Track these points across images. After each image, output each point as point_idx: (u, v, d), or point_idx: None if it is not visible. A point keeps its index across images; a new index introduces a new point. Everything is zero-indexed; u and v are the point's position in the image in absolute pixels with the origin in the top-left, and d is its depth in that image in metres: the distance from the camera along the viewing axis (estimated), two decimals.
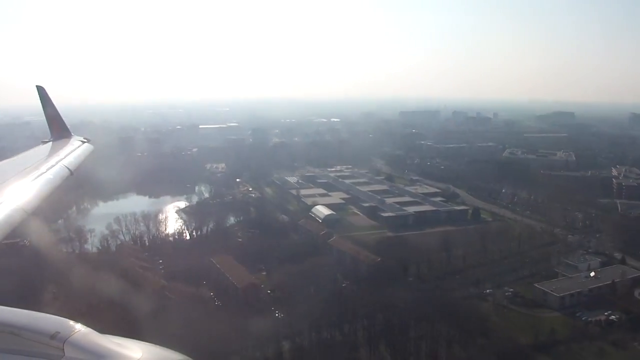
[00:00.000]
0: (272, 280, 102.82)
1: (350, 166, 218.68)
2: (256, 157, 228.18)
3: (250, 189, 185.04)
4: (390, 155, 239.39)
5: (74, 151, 15.33)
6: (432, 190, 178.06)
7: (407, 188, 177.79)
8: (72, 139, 17.20)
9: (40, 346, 4.38)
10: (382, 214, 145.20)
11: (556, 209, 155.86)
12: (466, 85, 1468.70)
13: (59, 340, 4.35)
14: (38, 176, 11.23)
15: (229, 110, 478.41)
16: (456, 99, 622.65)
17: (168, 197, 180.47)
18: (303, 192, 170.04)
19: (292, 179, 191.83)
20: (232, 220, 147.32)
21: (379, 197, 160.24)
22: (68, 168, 13.08)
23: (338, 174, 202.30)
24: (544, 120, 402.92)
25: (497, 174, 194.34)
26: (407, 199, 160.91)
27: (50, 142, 16.84)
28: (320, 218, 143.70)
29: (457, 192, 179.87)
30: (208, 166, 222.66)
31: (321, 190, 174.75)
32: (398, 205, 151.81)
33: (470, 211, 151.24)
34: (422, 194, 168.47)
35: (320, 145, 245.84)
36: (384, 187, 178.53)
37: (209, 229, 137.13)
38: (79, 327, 4.54)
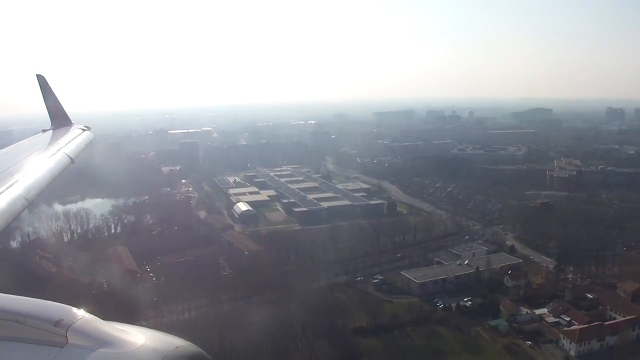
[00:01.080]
0: (160, 267, 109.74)
1: (298, 166, 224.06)
2: (211, 159, 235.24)
3: (191, 189, 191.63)
4: (343, 154, 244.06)
5: (74, 139, 15.33)
6: (365, 186, 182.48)
7: (338, 185, 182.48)
8: (72, 127, 17.24)
9: (43, 333, 4.42)
10: (295, 209, 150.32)
11: (475, 201, 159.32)
12: (462, 85, 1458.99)
13: (63, 327, 4.40)
14: (39, 164, 11.19)
15: (214, 115, 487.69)
16: (448, 99, 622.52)
17: (111, 199, 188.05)
18: (233, 190, 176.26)
19: (232, 179, 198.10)
20: (155, 217, 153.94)
21: (303, 194, 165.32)
22: (69, 156, 13.06)
23: (279, 173, 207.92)
24: (519, 117, 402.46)
25: (436, 169, 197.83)
26: (328, 194, 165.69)
27: (51, 131, 16.90)
28: (237, 214, 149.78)
29: (390, 187, 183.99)
30: (163, 169, 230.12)
31: (253, 189, 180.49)
32: (315, 201, 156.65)
33: (385, 205, 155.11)
34: (349, 190, 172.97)
35: (277, 147, 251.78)
36: (315, 184, 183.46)
37: (129, 225, 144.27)
38: (82, 314, 4.57)
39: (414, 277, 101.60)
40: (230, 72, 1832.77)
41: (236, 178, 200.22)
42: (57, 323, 4.44)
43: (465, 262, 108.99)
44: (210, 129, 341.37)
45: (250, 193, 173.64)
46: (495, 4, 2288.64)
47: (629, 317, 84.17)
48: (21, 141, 15.09)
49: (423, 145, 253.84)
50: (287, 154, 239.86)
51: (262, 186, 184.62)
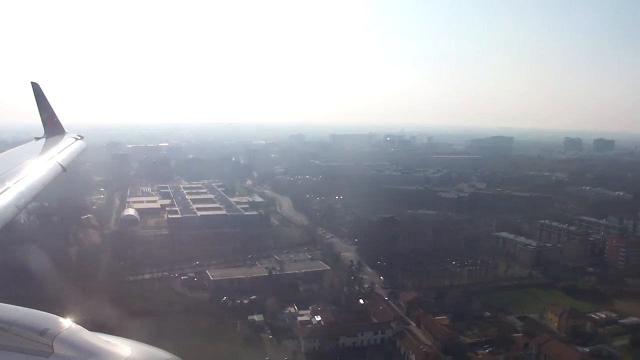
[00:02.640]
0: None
1: (216, 180, 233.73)
2: (142, 172, 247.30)
3: (102, 196, 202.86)
4: (268, 172, 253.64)
5: (66, 148, 15.23)
6: (258, 200, 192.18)
7: (234, 198, 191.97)
8: (65, 136, 17.29)
9: (29, 342, 4.31)
10: (170, 216, 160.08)
11: (345, 217, 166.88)
12: (442, 114, 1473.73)
13: (49, 336, 4.30)
14: (31, 172, 11.09)
15: (187, 132, 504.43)
16: (424, 126, 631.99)
17: None
18: (132, 199, 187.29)
19: (146, 189, 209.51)
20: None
21: (190, 204, 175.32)
22: (61, 165, 13.03)
23: (189, 186, 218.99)
24: (478, 143, 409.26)
25: (339, 187, 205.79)
26: (214, 205, 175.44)
27: (44, 139, 16.89)
28: (121, 218, 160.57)
29: (285, 201, 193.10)
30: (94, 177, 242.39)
31: (154, 198, 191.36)
32: (195, 210, 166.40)
33: (258, 216, 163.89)
34: (240, 202, 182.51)
35: (207, 163, 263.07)
36: (212, 196, 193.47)
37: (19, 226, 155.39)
38: (68, 324, 4.47)
39: (212, 275, 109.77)
40: (215, 91, 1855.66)
41: (149, 189, 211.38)
42: (43, 332, 4.36)
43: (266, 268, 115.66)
44: (166, 144, 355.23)
45: (148, 201, 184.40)
46: (474, 34, 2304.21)
47: (376, 322, 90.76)
48: (14, 149, 15.05)
49: (350, 166, 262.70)
50: (215, 170, 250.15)
51: (166, 196, 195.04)
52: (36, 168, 11.77)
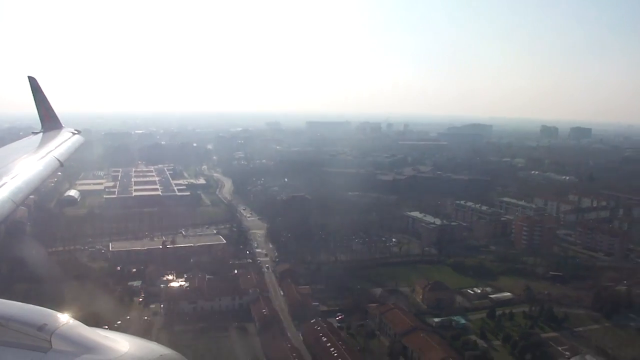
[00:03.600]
0: None
1: (175, 165, 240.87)
2: (104, 156, 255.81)
3: (55, 179, 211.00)
4: (226, 157, 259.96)
5: (64, 143, 15.19)
6: (201, 182, 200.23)
7: (176, 180, 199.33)
8: (62, 131, 17.20)
9: (27, 338, 4.33)
10: (106, 196, 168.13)
11: (275, 198, 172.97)
12: (435, 103, 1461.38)
13: (47, 332, 4.31)
14: (28, 167, 11.08)
15: (173, 120, 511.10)
16: (412, 114, 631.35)
17: None
18: (82, 181, 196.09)
19: (99, 173, 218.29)
20: None
21: (132, 185, 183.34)
22: (58, 159, 13.13)
23: (140, 169, 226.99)
24: (454, 131, 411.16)
25: (283, 170, 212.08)
26: (152, 186, 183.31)
27: (41, 133, 16.79)
28: (61, 199, 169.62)
29: (227, 183, 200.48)
30: None
31: (101, 181, 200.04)
32: (133, 190, 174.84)
33: (189, 197, 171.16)
34: (177, 183, 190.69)
35: (169, 149, 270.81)
36: (156, 178, 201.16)
37: None
38: (66, 319, 4.50)
39: (112, 247, 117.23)
40: (207, 82, 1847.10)
41: (103, 173, 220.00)
42: (41, 328, 4.39)
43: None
44: (142, 131, 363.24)
45: (94, 184, 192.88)
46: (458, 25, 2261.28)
47: (235, 289, 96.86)
48: (11, 143, 15.09)
49: (308, 151, 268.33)
50: (176, 155, 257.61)
51: (114, 179, 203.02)
52: (33, 163, 11.72)
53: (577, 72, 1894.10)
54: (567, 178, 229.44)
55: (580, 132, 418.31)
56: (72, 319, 4.67)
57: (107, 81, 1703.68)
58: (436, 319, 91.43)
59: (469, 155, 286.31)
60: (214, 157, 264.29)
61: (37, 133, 17.15)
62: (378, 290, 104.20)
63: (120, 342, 4.53)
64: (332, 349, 73.41)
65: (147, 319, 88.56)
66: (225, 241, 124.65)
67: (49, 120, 17.93)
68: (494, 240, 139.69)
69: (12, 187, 9.49)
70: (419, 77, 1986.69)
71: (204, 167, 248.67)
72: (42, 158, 12.66)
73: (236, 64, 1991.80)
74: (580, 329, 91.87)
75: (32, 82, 17.17)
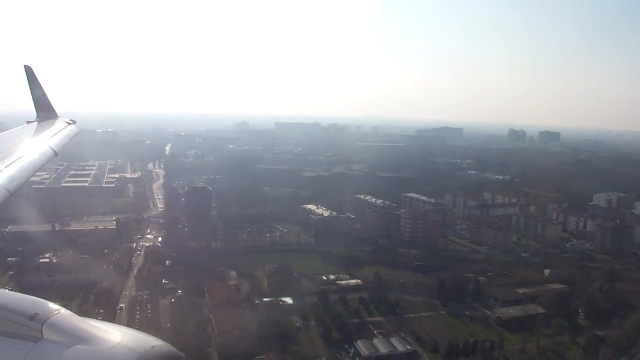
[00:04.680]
0: None
1: (124, 160, 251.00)
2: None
3: None
4: (180, 154, 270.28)
5: (59, 132, 15.32)
6: (136, 175, 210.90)
7: (113, 174, 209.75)
8: (57, 120, 17.23)
9: (18, 327, 4.31)
10: (35, 186, 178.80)
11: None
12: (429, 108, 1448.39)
13: (38, 321, 4.30)
14: (22, 156, 10.99)
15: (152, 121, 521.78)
16: (402, 119, 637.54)
17: None
18: None
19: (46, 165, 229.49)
20: None
21: (65, 177, 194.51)
22: (53, 149, 13.02)
23: (83, 164, 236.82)
24: (423, 134, 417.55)
25: (222, 166, 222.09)
26: (83, 178, 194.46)
27: (36, 123, 16.79)
28: None
29: (160, 178, 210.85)
30: None
31: (41, 173, 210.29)
32: (63, 182, 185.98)
33: (114, 188, 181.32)
34: (110, 177, 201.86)
35: (121, 145, 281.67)
36: (91, 172, 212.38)
37: None
38: (58, 309, 4.50)
39: (10, 229, 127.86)
40: (196, 84, 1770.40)
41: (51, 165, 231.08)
42: (32, 317, 4.37)
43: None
44: (112, 130, 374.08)
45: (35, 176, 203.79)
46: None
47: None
48: (5, 132, 15.04)
49: (258, 150, 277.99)
50: (129, 152, 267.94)
51: (53, 172, 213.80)
52: (28, 152, 11.63)
53: (575, 77, 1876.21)
54: (501, 177, 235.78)
55: (549, 136, 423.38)
56: (64, 308, 4.70)
57: (90, 81, 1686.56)
58: (265, 299, 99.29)
59: (419, 156, 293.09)
60: (167, 154, 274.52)
61: (31, 122, 16.95)
62: (234, 274, 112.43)
63: (112, 332, 4.56)
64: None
65: (8, 288, 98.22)
66: (115, 227, 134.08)
67: (44, 109, 17.58)
68: (385, 232, 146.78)
69: (6, 175, 9.51)
70: (412, 81, 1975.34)
71: (150, 164, 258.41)
72: (36, 147, 12.58)
73: (232, 67, 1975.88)
74: (412, 315, 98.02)
75: (28, 70, 17.12)
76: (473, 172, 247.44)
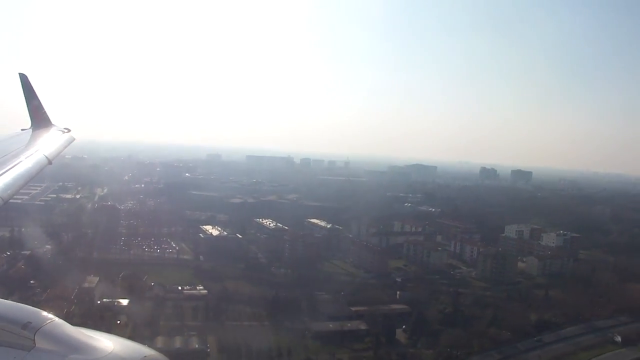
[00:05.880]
0: None
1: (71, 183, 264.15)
2: None
3: None
4: (131, 181, 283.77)
5: (53, 141, 15.32)
6: (72, 197, 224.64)
7: (51, 194, 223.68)
8: (52, 129, 17.26)
9: (11, 336, 4.31)
10: None
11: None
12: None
13: (31, 330, 4.32)
14: (16, 164, 10.92)
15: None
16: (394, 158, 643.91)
17: None
18: None
19: None
20: None
21: None
22: (47, 157, 12.98)
23: (31, 184, 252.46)
24: (395, 171, 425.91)
25: (164, 192, 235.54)
26: (23, 196, 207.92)
27: (30, 130, 16.80)
28: None
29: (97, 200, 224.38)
30: None
31: None
32: None
33: (43, 205, 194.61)
34: (50, 195, 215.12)
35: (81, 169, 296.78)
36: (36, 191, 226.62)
37: None
38: (50, 318, 4.52)
39: None
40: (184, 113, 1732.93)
41: None
42: (25, 326, 4.38)
43: None
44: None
45: None
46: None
47: None
48: None
49: (211, 178, 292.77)
50: (88, 176, 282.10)
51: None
52: (22, 160, 11.53)
53: (571, 119, 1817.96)
54: (433, 210, 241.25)
55: (520, 174, 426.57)
56: (57, 317, 4.71)
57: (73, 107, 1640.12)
58: (105, 300, 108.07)
59: (371, 190, 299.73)
60: (123, 180, 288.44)
61: (25, 130, 17.04)
62: (95, 279, 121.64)
63: (105, 342, 4.60)
64: None
65: None
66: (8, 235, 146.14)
67: (38, 117, 17.61)
68: (268, 253, 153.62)
69: (1, 183, 9.48)
70: (400, 119, 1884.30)
71: (100, 188, 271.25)
72: (31, 155, 12.52)
73: (220, 99, 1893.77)
74: (234, 323, 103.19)
75: (23, 79, 17.18)
76: (409, 204, 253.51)
